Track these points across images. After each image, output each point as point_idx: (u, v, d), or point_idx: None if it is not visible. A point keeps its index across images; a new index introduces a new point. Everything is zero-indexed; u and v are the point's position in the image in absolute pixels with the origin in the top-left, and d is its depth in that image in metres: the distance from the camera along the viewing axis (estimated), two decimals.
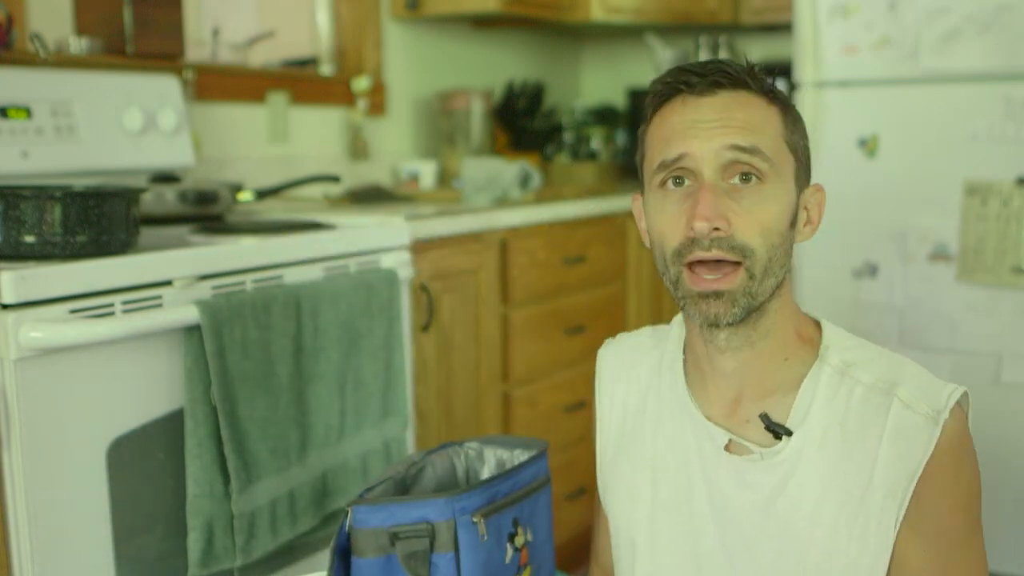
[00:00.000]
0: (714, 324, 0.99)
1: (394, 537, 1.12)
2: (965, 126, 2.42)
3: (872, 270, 2.56)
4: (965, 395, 1.01)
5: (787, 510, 1.01)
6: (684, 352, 1.12)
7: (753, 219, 0.97)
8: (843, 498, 0.99)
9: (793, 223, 1.02)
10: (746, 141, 0.97)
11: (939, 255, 2.48)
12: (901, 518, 0.98)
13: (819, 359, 1.03)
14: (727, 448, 1.05)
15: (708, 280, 0.98)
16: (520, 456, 1.32)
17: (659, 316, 2.90)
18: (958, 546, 1.00)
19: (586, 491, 2.55)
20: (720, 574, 1.06)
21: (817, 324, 1.08)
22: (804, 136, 1.05)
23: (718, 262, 0.98)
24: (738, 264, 0.97)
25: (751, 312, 0.99)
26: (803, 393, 1.02)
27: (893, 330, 2.51)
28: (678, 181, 1.00)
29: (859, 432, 0.99)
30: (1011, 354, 2.41)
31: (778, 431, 1.01)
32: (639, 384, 1.16)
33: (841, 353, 1.03)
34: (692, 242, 0.97)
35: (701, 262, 0.98)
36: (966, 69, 2.40)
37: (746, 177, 0.98)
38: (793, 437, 1.01)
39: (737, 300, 0.98)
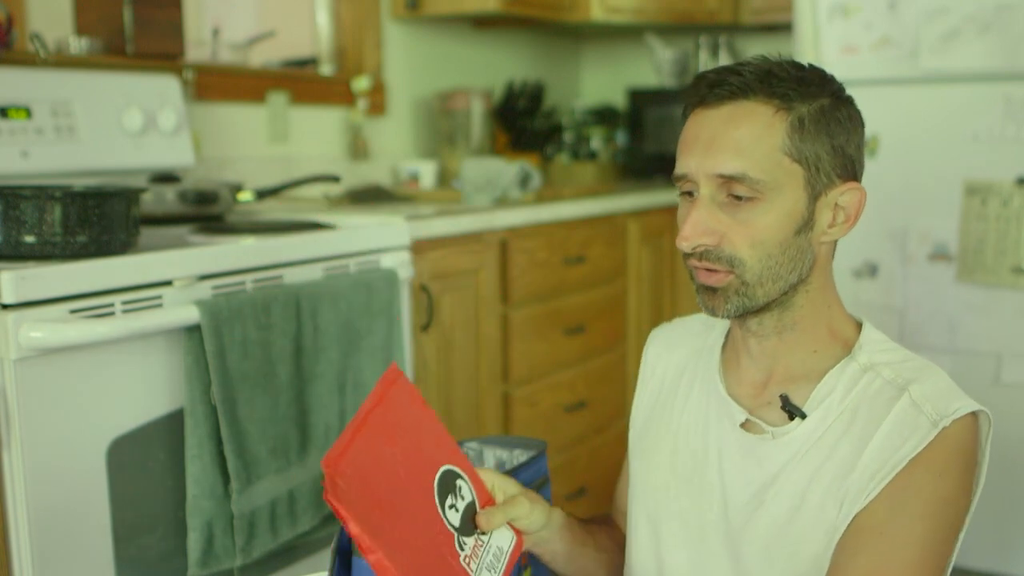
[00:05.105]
0: (713, 315, 1.07)
1: None
2: (965, 126, 2.42)
3: (872, 270, 2.56)
4: (987, 417, 1.03)
5: (786, 489, 1.06)
6: (727, 336, 1.18)
7: (744, 232, 1.02)
8: (831, 477, 1.03)
9: (805, 227, 1.04)
10: (731, 169, 1.01)
11: (939, 255, 2.48)
12: (866, 503, 0.99)
13: (849, 356, 1.08)
14: (743, 426, 1.10)
15: (704, 275, 1.05)
16: (520, 456, 1.32)
17: (659, 316, 2.90)
18: (905, 546, 0.99)
19: (586, 491, 2.55)
20: (722, 547, 1.10)
21: (858, 325, 1.12)
22: (833, 136, 1.04)
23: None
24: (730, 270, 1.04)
25: (751, 309, 1.06)
26: (824, 383, 1.07)
27: (893, 330, 2.50)
28: (688, 193, 1.06)
29: (865, 419, 1.03)
30: (1011, 354, 2.42)
31: (793, 411, 1.07)
32: (678, 363, 1.22)
33: (872, 355, 1.08)
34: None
35: None
36: (966, 69, 2.40)
37: (737, 196, 1.02)
38: (806, 421, 1.06)
39: (730, 297, 1.05)
